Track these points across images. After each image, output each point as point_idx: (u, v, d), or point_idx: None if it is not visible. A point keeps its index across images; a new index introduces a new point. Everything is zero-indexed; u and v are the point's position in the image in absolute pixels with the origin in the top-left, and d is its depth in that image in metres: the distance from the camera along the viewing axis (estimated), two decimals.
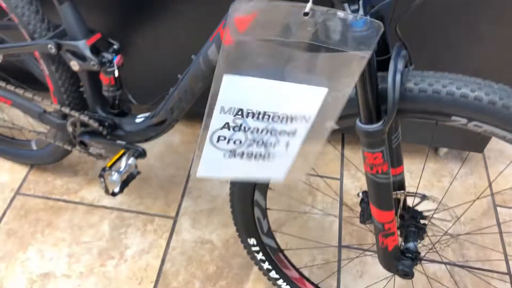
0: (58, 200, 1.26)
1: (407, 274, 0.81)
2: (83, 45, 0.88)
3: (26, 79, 1.13)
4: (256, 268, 1.13)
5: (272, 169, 0.67)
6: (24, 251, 1.14)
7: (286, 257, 1.02)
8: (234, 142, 0.62)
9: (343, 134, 1.49)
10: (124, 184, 0.97)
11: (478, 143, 1.32)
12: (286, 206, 1.28)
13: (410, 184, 1.30)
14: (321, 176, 1.36)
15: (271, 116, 0.59)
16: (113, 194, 0.96)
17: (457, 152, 1.46)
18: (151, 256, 1.15)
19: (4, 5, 0.91)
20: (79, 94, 1.02)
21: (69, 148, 1.09)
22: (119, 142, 0.96)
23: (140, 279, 1.11)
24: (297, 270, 1.04)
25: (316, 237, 1.21)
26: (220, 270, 1.14)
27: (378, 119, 0.63)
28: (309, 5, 0.49)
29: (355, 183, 1.35)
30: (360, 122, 0.64)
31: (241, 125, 0.59)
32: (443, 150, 1.44)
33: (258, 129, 0.61)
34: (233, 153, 0.63)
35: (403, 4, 0.60)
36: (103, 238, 1.18)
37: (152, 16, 1.12)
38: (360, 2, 0.56)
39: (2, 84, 1.04)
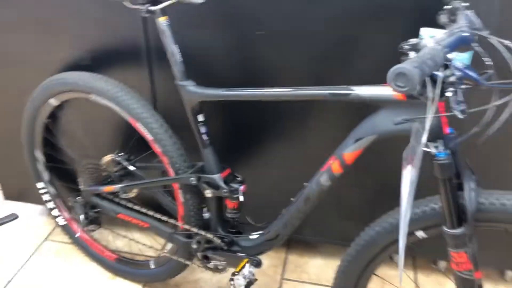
0: None
1: None
2: (218, 178, 1.17)
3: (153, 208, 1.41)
4: None
5: None
6: None
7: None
8: None
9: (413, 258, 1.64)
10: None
11: None
12: None
13: None
14: None
15: None
16: None
17: None
18: None
19: (159, 150, 1.23)
20: (202, 218, 1.28)
21: (188, 262, 1.32)
22: (239, 254, 1.19)
23: None
24: None
25: None
26: None
27: (459, 226, 0.84)
28: None
29: None
30: (446, 228, 0.85)
31: None
32: (509, 274, 1.56)
33: None
34: None
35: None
36: None
37: (268, 152, 1.41)
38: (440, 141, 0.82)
39: (145, 211, 1.33)
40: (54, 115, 1.48)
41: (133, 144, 1.41)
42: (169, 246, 1.41)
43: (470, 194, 0.83)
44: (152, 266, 1.47)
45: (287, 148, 1.38)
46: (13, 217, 1.85)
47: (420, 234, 0.93)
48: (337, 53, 1.20)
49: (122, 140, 1.46)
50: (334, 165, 0.97)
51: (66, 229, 1.64)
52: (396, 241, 0.94)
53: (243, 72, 1.30)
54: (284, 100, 1.04)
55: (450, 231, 0.85)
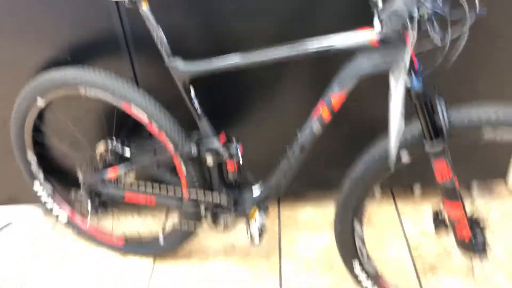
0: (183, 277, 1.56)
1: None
2: (216, 141, 1.28)
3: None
4: None
5: None
6: None
7: (385, 282, 1.32)
8: None
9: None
10: (261, 234, 1.31)
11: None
12: None
13: None
14: None
15: None
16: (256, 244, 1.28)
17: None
18: None
19: (156, 127, 1.32)
20: (206, 186, 1.39)
21: (196, 229, 1.44)
22: (247, 205, 1.32)
23: None
24: None
25: None
26: None
27: (437, 137, 1.01)
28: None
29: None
30: (429, 140, 1.01)
31: None
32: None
33: None
34: None
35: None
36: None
37: (256, 115, 1.53)
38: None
39: (151, 187, 1.42)
40: (43, 114, 1.53)
41: (126, 129, 1.49)
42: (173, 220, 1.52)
43: (442, 113, 0.99)
44: (161, 241, 1.57)
45: (272, 109, 1.51)
46: (6, 223, 1.89)
47: (405, 156, 1.09)
48: (301, 18, 1.33)
49: (114, 128, 1.53)
50: (323, 111, 1.11)
51: (70, 225, 1.70)
52: (386, 169, 1.10)
53: (218, 46, 1.40)
54: (271, 62, 1.15)
55: (429, 141, 1.01)
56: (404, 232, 1.65)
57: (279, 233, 1.70)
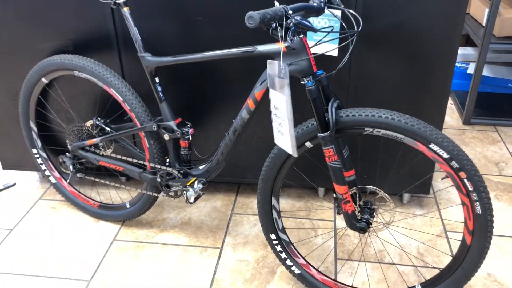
0: (141, 242, 1.86)
1: (363, 230, 1.38)
2: (173, 123, 1.60)
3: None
4: (278, 271, 1.68)
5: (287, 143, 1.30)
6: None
7: (295, 248, 1.59)
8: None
9: None
10: (195, 199, 1.60)
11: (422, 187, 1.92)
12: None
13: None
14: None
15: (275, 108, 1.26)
16: (190, 203, 1.58)
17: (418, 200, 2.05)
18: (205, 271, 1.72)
19: (127, 108, 1.65)
20: (163, 158, 1.71)
21: (156, 194, 1.75)
22: (190, 177, 1.62)
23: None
24: (303, 258, 1.59)
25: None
26: (254, 276, 1.69)
27: (326, 131, 1.29)
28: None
29: None
30: (320, 133, 1.30)
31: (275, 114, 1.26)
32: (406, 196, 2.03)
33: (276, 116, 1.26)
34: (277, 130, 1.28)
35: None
36: (173, 261, 1.76)
37: (210, 103, 1.86)
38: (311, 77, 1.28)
39: (120, 157, 1.75)
40: (45, 91, 1.89)
41: (108, 107, 1.83)
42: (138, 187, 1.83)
43: (331, 111, 1.28)
44: (128, 206, 1.89)
45: (224, 99, 1.83)
46: (11, 184, 2.23)
47: (308, 144, 1.38)
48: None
49: (100, 107, 1.88)
50: (249, 102, 1.42)
51: (57, 186, 2.04)
52: (290, 155, 1.39)
53: (187, 46, 1.74)
54: (212, 60, 1.46)
55: (321, 134, 1.30)
56: (335, 224, 1.91)
57: (230, 216, 1.99)
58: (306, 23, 1.13)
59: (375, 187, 1.42)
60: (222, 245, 1.84)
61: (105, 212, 1.97)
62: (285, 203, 2.06)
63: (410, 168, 1.87)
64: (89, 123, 1.83)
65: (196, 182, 1.60)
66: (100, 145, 1.79)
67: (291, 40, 1.17)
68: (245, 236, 1.88)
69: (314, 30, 1.15)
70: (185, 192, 1.61)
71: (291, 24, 1.12)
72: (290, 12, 1.09)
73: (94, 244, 1.86)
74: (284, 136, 1.27)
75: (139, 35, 1.56)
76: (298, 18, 1.12)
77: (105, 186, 2.19)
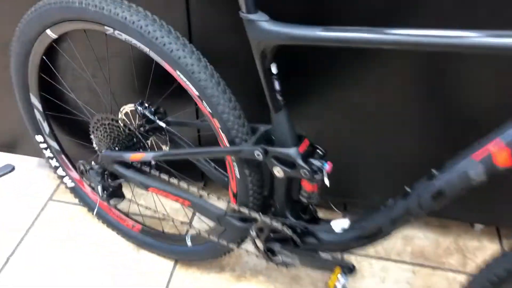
0: None
1: None
2: (295, 152, 0.83)
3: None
4: None
5: None
6: None
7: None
8: None
9: None
10: None
11: None
12: None
13: None
14: None
15: None
16: None
17: None
18: None
19: (208, 110, 0.88)
20: (262, 198, 0.97)
21: (234, 247, 1.03)
22: (324, 255, 0.88)
23: None
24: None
25: None
26: None
27: None
28: None
29: None
30: None
31: None
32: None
33: None
34: None
35: None
36: None
37: (365, 121, 1.07)
38: None
39: (186, 186, 1.00)
40: (53, 50, 1.10)
41: (167, 94, 1.05)
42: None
43: None
44: (189, 244, 1.18)
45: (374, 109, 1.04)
46: (9, 168, 1.53)
47: None
48: None
49: (151, 86, 1.09)
50: (500, 155, 0.64)
51: (76, 192, 1.32)
52: None
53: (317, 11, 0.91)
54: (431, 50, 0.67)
55: None
56: None
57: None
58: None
59: None
60: None
61: (151, 241, 1.26)
62: None
63: None
64: (128, 108, 1.08)
65: (339, 277, 0.87)
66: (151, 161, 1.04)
67: None
68: None
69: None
70: None
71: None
72: None
73: None
74: None
75: None
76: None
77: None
